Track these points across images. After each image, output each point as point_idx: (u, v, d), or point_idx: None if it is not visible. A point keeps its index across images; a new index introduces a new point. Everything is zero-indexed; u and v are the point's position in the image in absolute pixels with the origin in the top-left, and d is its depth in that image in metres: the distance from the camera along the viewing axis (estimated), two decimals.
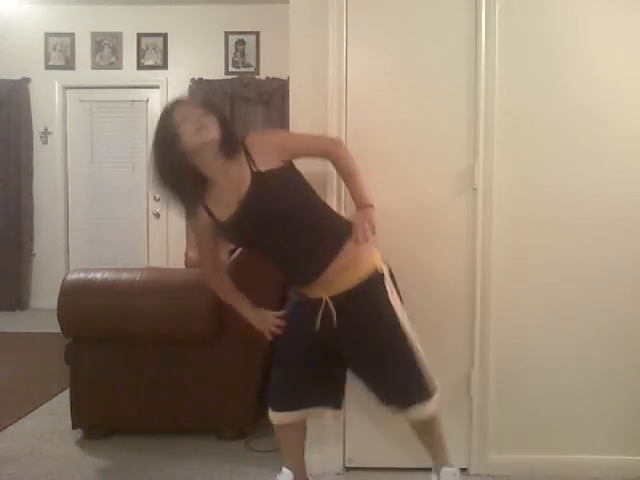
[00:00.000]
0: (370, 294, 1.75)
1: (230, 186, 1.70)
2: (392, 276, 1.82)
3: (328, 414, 1.98)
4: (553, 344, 2.23)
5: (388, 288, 1.77)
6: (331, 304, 1.71)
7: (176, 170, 1.69)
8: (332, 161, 1.88)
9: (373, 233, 1.77)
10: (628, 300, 2.21)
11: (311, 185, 1.80)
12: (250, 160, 1.70)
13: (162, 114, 1.73)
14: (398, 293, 1.81)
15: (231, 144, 1.72)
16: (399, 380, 1.79)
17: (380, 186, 2.17)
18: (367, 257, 1.76)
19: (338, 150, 1.87)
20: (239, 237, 1.83)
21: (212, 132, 1.68)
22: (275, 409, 1.88)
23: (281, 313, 1.89)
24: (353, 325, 1.73)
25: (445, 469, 1.94)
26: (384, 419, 2.00)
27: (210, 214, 1.75)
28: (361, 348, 1.78)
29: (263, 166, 1.69)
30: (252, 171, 1.68)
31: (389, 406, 1.81)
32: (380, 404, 1.82)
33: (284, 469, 1.93)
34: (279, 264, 1.82)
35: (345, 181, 1.91)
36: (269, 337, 1.89)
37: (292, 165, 1.77)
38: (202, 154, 1.68)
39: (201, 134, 1.66)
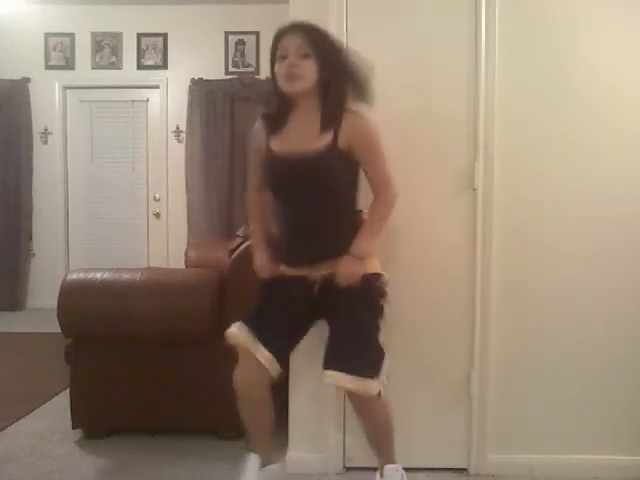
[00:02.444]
0: (359, 291, 1.80)
1: (303, 130, 1.74)
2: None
3: (268, 368, 1.85)
4: (553, 344, 2.23)
5: (379, 291, 1.82)
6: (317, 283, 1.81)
7: (271, 87, 1.81)
8: (375, 196, 1.85)
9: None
10: (629, 300, 2.21)
11: (357, 190, 1.86)
12: (336, 132, 1.73)
13: (276, 33, 1.78)
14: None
15: (331, 109, 1.75)
16: (358, 348, 1.79)
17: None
18: (367, 267, 1.81)
19: (388, 199, 1.84)
20: (277, 174, 1.81)
21: (302, 84, 1.71)
22: (240, 321, 1.87)
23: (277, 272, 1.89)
24: (338, 297, 1.79)
25: (389, 466, 1.92)
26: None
27: (268, 136, 1.78)
28: (347, 310, 1.81)
29: (341, 142, 1.73)
30: (332, 143, 1.72)
31: (335, 366, 1.76)
32: (328, 365, 1.78)
33: (251, 454, 1.92)
34: (289, 227, 1.83)
35: (365, 223, 1.87)
36: (260, 276, 1.90)
37: (356, 161, 1.80)
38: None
39: (290, 83, 1.70)
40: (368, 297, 1.82)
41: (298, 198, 1.78)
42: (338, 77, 1.75)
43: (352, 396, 1.82)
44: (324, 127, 1.74)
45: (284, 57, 1.72)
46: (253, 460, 1.91)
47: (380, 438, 1.95)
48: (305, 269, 1.82)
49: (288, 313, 1.85)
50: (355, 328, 1.80)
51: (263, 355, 1.82)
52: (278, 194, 1.86)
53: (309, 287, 1.82)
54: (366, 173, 1.85)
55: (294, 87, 1.72)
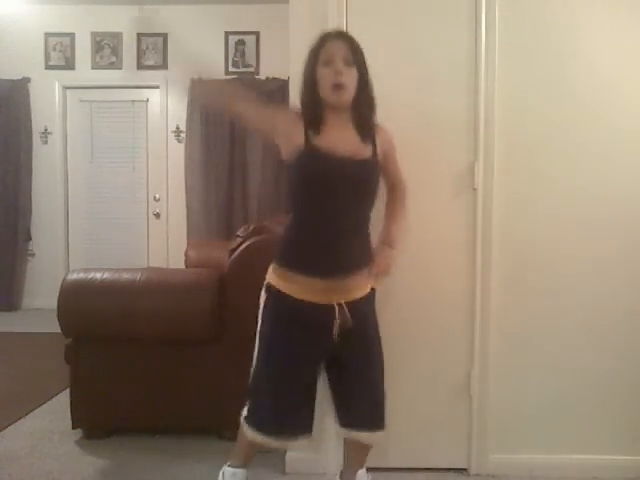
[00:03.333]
0: (369, 305, 1.79)
1: (344, 137, 1.70)
2: None
3: (302, 444, 1.79)
4: (553, 344, 2.23)
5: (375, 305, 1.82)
6: (345, 308, 1.67)
7: (307, 88, 1.72)
8: (395, 193, 1.91)
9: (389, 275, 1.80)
10: (629, 300, 2.21)
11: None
12: (374, 144, 1.75)
13: (321, 35, 1.72)
14: None
15: (366, 122, 1.74)
16: (378, 397, 1.79)
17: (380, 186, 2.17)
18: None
19: (404, 190, 1.93)
20: (322, 171, 1.67)
21: (347, 94, 1.67)
22: (265, 432, 1.73)
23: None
24: (354, 332, 1.69)
25: (362, 470, 1.93)
26: None
27: (307, 130, 1.69)
28: (357, 356, 1.76)
29: (379, 154, 1.76)
30: (373, 155, 1.73)
31: (359, 427, 1.78)
32: (351, 425, 1.79)
33: (238, 470, 1.87)
34: (317, 229, 1.68)
35: (388, 216, 1.89)
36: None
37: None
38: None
39: (337, 92, 1.66)
40: (374, 316, 1.81)
41: (338, 199, 1.66)
42: (369, 88, 1.74)
43: (359, 444, 1.84)
44: (364, 138, 1.73)
45: (329, 62, 1.66)
46: (241, 474, 1.88)
47: (369, 449, 1.93)
48: (330, 280, 1.67)
49: (308, 373, 1.74)
50: (374, 375, 1.78)
51: (296, 444, 1.79)
52: (314, 192, 1.68)
53: (330, 320, 1.66)
54: (385, 173, 1.86)
55: (341, 97, 1.67)
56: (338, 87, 1.65)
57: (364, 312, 1.76)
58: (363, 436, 1.80)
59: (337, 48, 1.67)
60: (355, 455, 1.94)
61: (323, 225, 1.68)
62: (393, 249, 1.81)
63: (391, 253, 1.80)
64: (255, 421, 1.76)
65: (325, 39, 1.71)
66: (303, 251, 1.70)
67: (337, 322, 1.66)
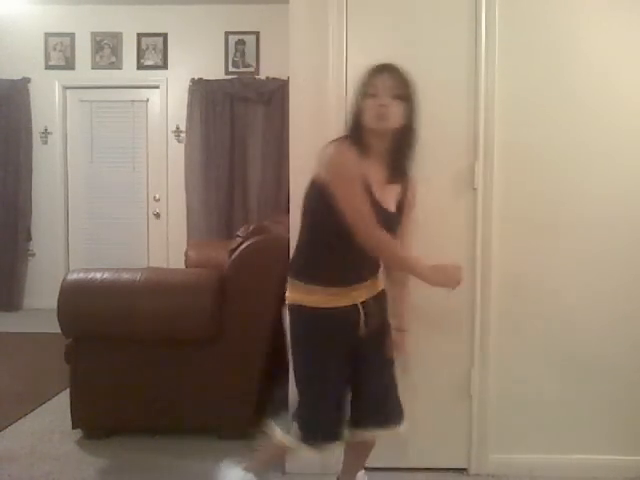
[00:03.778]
0: (385, 301, 1.89)
1: (378, 177, 1.73)
2: None
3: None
4: (553, 343, 2.23)
5: None
6: (369, 304, 1.78)
7: (353, 118, 1.74)
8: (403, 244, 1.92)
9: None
10: (630, 300, 2.21)
11: None
12: (404, 190, 1.80)
13: (372, 67, 1.73)
14: None
15: (400, 164, 1.77)
16: (395, 392, 1.86)
17: None
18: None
19: (407, 245, 1.94)
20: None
21: (388, 124, 1.69)
22: (328, 439, 1.75)
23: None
24: (376, 326, 1.80)
25: (362, 472, 1.96)
26: None
27: (367, 173, 1.71)
28: (378, 350, 1.83)
29: (405, 202, 1.82)
30: (400, 204, 1.79)
31: (377, 424, 1.82)
32: (370, 424, 1.82)
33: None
34: (346, 257, 1.75)
35: (398, 293, 1.93)
36: (454, 287, 1.72)
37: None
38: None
39: (379, 121, 1.68)
40: (387, 311, 1.89)
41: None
42: (413, 127, 1.75)
43: (366, 444, 1.88)
44: (392, 178, 1.76)
45: (374, 95, 1.69)
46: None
47: (370, 450, 1.96)
48: (350, 287, 1.76)
49: (345, 373, 1.79)
50: (390, 369, 1.86)
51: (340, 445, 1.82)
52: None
53: (356, 317, 1.76)
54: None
55: (382, 125, 1.70)
56: (381, 116, 1.68)
57: (382, 307, 1.86)
58: (379, 433, 1.82)
59: (384, 81, 1.70)
60: (358, 458, 1.96)
61: (351, 252, 1.72)
62: (406, 331, 1.91)
63: (406, 335, 1.91)
64: (312, 438, 1.75)
65: (373, 72, 1.73)
66: (329, 271, 1.76)
67: (363, 318, 1.76)
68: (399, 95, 1.69)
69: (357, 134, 1.71)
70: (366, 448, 1.93)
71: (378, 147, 1.73)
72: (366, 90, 1.71)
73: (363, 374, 1.82)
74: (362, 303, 1.77)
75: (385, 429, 1.82)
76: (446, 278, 1.70)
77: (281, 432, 1.78)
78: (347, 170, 1.66)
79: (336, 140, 1.73)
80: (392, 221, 1.75)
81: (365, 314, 1.76)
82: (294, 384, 1.82)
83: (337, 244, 1.73)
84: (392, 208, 1.76)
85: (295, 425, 1.76)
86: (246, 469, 1.90)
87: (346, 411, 1.81)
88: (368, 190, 1.68)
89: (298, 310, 1.76)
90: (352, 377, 1.82)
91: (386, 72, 1.71)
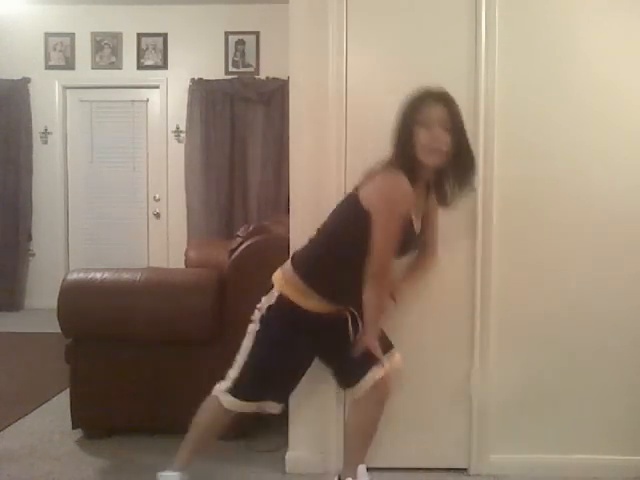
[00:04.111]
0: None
1: (420, 211, 1.80)
2: None
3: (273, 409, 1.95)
4: (553, 343, 2.23)
5: None
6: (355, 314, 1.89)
7: (403, 143, 1.74)
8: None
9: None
10: (630, 300, 2.21)
11: None
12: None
13: (424, 93, 1.75)
14: None
15: (446, 196, 1.83)
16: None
17: None
18: None
19: None
20: (404, 243, 1.79)
21: (439, 160, 1.72)
22: (242, 397, 1.88)
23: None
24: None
25: (363, 465, 1.96)
26: (383, 419, 2.00)
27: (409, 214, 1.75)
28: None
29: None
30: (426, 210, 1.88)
31: (360, 379, 1.88)
32: (350, 382, 1.92)
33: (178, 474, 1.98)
34: (347, 276, 1.82)
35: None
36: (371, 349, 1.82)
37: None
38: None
39: (433, 156, 1.71)
40: None
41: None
42: (463, 155, 1.77)
43: (381, 385, 1.88)
44: (434, 203, 1.86)
45: (428, 127, 1.70)
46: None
47: (371, 436, 1.98)
48: (342, 308, 1.88)
49: (305, 367, 1.93)
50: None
51: (271, 407, 1.92)
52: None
53: (344, 324, 1.88)
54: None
55: (435, 161, 1.72)
56: (434, 151, 1.70)
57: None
58: (372, 374, 1.86)
59: (437, 112, 1.71)
60: (358, 448, 1.97)
61: (355, 277, 1.76)
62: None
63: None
64: (238, 392, 1.88)
65: (426, 99, 1.74)
66: (329, 285, 1.81)
67: (351, 328, 1.87)
68: (452, 128, 1.72)
69: (409, 165, 1.71)
70: (368, 429, 1.96)
71: (425, 176, 1.76)
72: (418, 118, 1.71)
73: (334, 350, 1.92)
74: (351, 314, 1.88)
75: (379, 367, 1.85)
76: (373, 347, 1.80)
77: (227, 394, 1.89)
78: (399, 207, 1.70)
79: (388, 165, 1.74)
80: (415, 240, 1.84)
81: (353, 326, 1.87)
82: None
83: (347, 264, 1.78)
84: (419, 228, 1.82)
85: (224, 385, 1.90)
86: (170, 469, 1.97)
87: (290, 384, 1.93)
88: (408, 219, 1.73)
89: (289, 303, 1.81)
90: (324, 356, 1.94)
91: (441, 104, 1.73)
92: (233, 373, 1.90)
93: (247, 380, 1.88)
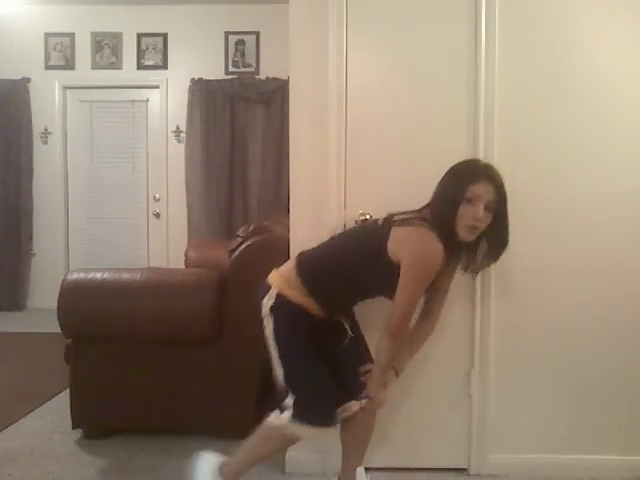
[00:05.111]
0: None
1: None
2: None
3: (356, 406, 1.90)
4: (553, 344, 2.23)
5: None
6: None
7: (445, 212, 1.76)
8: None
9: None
10: (630, 301, 2.21)
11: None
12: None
13: (479, 170, 1.79)
14: None
15: (476, 266, 1.90)
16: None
17: (380, 186, 2.17)
18: None
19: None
20: None
21: (474, 236, 1.76)
22: (330, 423, 1.81)
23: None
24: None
25: (361, 467, 1.97)
26: (383, 419, 2.00)
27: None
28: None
29: None
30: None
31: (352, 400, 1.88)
32: (360, 395, 1.88)
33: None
34: (347, 296, 1.92)
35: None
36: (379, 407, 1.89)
37: None
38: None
39: (468, 233, 1.74)
40: None
41: (380, 294, 1.87)
42: (499, 231, 1.83)
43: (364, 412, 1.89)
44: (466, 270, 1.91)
45: (471, 202, 1.72)
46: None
47: (367, 441, 1.98)
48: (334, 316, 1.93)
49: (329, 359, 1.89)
50: (362, 341, 1.98)
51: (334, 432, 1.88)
52: (374, 290, 1.89)
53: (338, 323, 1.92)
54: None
55: (469, 238, 1.76)
56: (472, 229, 1.74)
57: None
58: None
59: (486, 193, 1.74)
60: (356, 450, 1.96)
61: (351, 299, 1.93)
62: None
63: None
64: (309, 417, 1.78)
65: (480, 180, 1.75)
66: (327, 296, 1.85)
67: (347, 329, 1.91)
68: (495, 210, 1.76)
69: (445, 233, 1.73)
70: (363, 438, 1.96)
71: (454, 244, 1.78)
72: (467, 196, 1.72)
73: (337, 350, 1.91)
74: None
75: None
76: (377, 396, 1.84)
77: (296, 423, 1.78)
78: (431, 269, 1.73)
79: (423, 220, 1.77)
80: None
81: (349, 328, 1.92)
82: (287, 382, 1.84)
83: (354, 287, 1.85)
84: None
85: (292, 410, 1.79)
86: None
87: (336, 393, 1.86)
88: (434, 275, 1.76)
89: (288, 301, 1.82)
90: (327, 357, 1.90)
91: (492, 186, 1.75)
92: (289, 399, 1.83)
93: (307, 392, 1.82)
